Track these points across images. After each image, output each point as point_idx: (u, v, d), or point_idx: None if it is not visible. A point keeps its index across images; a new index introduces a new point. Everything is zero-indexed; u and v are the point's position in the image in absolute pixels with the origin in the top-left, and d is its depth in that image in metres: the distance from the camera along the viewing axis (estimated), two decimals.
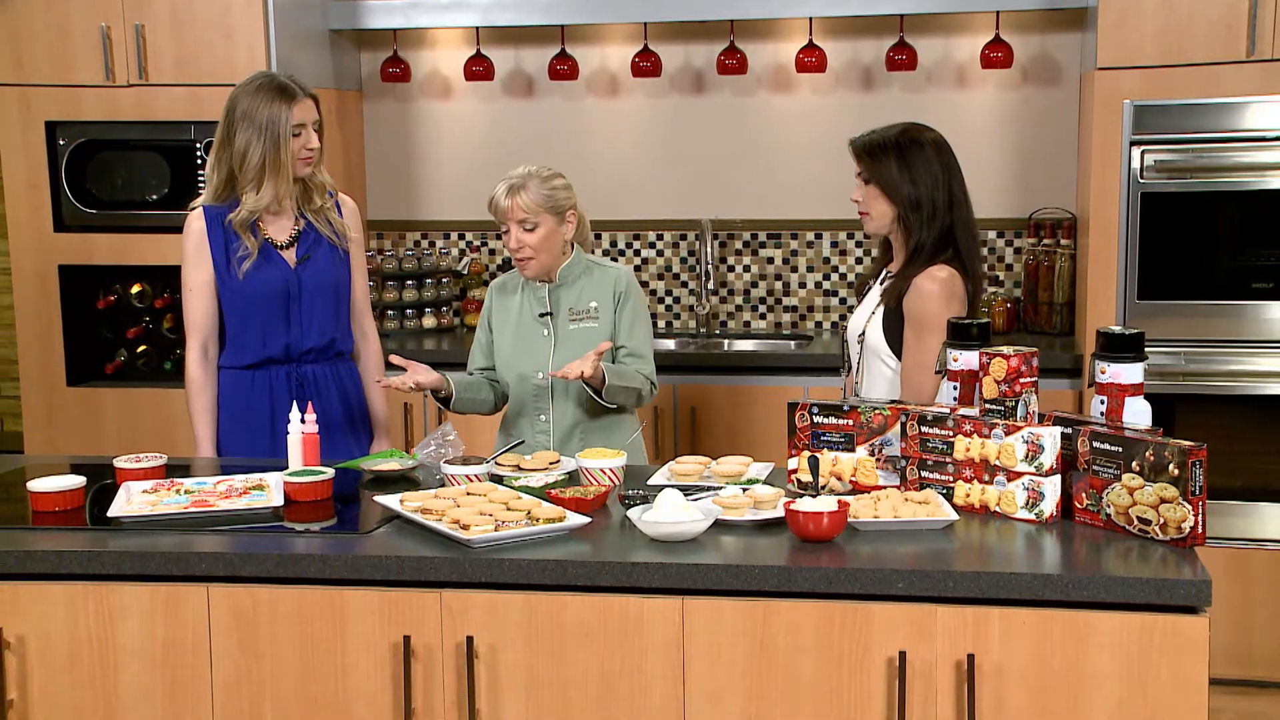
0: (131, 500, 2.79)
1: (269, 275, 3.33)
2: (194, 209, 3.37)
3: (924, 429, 2.66)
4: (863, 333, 3.15)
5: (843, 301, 5.03)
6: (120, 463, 2.98)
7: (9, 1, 4.57)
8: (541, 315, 3.32)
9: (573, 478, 2.93)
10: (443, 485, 2.86)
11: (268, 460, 3.19)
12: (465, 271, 5.26)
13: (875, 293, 3.19)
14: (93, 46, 4.55)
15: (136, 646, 2.51)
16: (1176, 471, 2.36)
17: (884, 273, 3.20)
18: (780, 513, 2.54)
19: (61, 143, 4.66)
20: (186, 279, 3.37)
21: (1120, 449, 2.45)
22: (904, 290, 3.05)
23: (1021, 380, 2.60)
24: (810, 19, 4.80)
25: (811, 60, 4.79)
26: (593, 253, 3.48)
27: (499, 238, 5.17)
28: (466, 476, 2.84)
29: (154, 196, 4.66)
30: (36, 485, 2.76)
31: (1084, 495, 2.52)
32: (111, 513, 2.71)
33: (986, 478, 2.59)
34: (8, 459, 3.39)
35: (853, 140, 3.16)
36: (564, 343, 3.29)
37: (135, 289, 4.78)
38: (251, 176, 3.28)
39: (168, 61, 4.54)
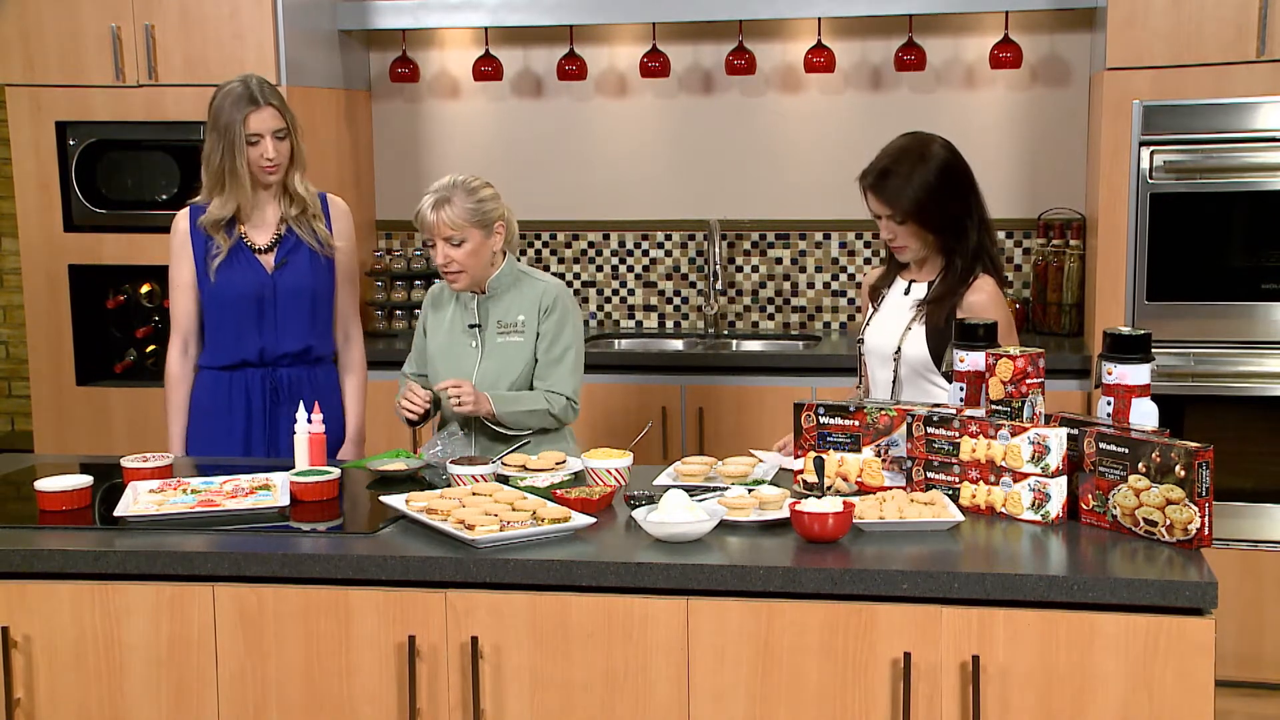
0: (138, 500, 2.79)
1: (242, 277, 3.35)
2: (185, 207, 3.42)
3: (930, 430, 2.66)
4: (898, 350, 3.11)
5: (851, 302, 5.02)
6: (127, 462, 2.99)
7: (19, 2, 4.59)
8: (470, 327, 3.29)
9: (578, 478, 2.93)
10: (449, 485, 2.86)
11: (275, 460, 3.20)
12: None
13: (900, 307, 3.14)
14: (103, 47, 4.56)
15: (142, 646, 2.52)
16: (1183, 473, 2.36)
17: (907, 283, 3.15)
18: (785, 514, 2.54)
19: (71, 143, 4.67)
20: (171, 276, 3.44)
21: (1126, 450, 2.44)
22: (952, 309, 3.03)
23: (1028, 381, 2.59)
24: (819, 19, 4.80)
25: (820, 60, 4.79)
26: (521, 257, 3.43)
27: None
28: (472, 476, 2.84)
29: (163, 196, 4.67)
30: (43, 485, 2.77)
31: (1090, 497, 2.52)
32: (118, 512, 2.71)
33: (993, 479, 2.58)
34: (18, 458, 3.40)
35: (870, 183, 3.05)
36: (490, 355, 3.26)
37: (144, 289, 4.80)
38: (214, 181, 3.33)
39: (177, 62, 4.55)
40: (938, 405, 2.78)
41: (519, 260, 3.37)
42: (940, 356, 3.05)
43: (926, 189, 3.02)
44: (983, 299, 3.04)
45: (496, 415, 3.18)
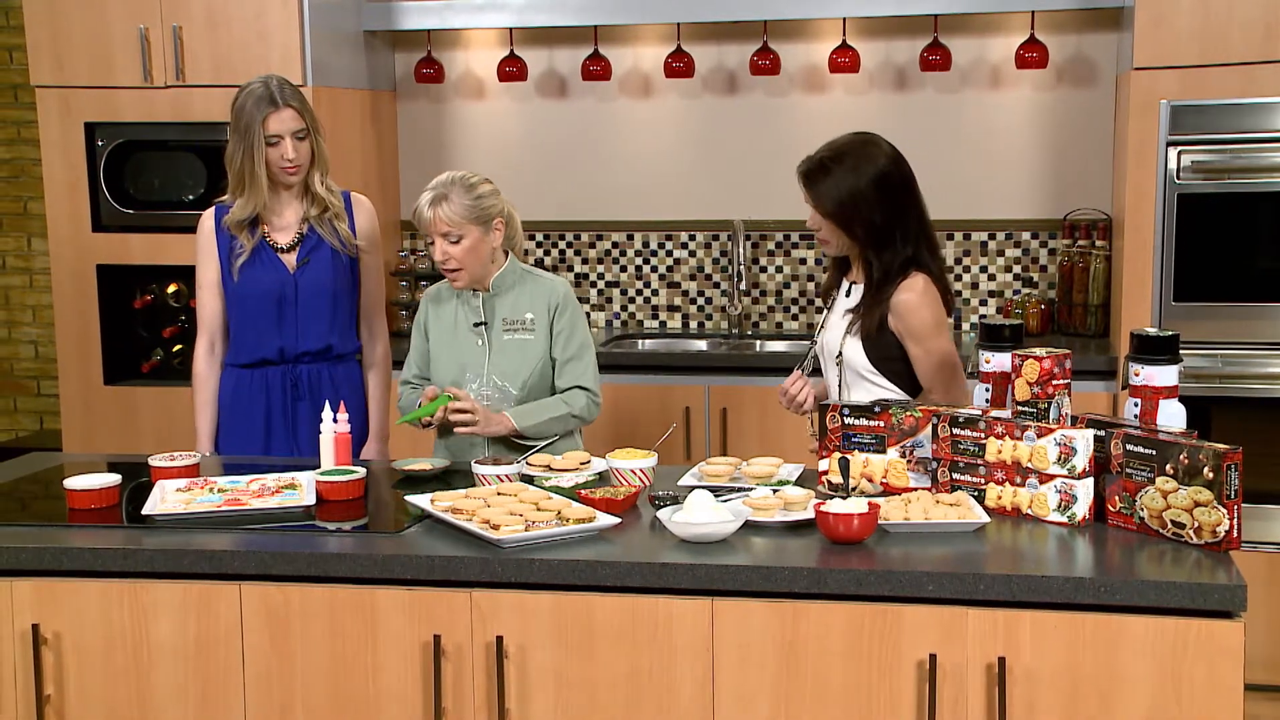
0: (165, 498, 2.81)
1: (263, 277, 3.37)
2: (211, 207, 3.45)
3: (955, 431, 2.65)
4: (839, 354, 3.09)
5: None
6: (155, 461, 3.01)
7: (49, 4, 4.62)
8: (476, 325, 3.27)
9: (603, 478, 2.93)
10: (473, 485, 2.87)
11: (301, 460, 3.21)
12: None
13: (842, 307, 3.14)
14: (131, 48, 4.59)
15: (170, 644, 2.53)
16: (1211, 475, 2.34)
17: (849, 285, 3.14)
18: (810, 514, 2.54)
19: (100, 143, 4.70)
20: (197, 276, 3.47)
21: (1154, 452, 2.43)
22: (883, 315, 3.00)
23: (1054, 382, 2.58)
24: (844, 19, 4.79)
25: (845, 61, 4.78)
26: (525, 258, 3.42)
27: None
28: (497, 476, 2.85)
29: (190, 197, 4.70)
30: (73, 483, 2.79)
31: (1117, 498, 2.50)
32: (146, 511, 2.73)
33: (1018, 480, 2.57)
34: (46, 456, 3.42)
35: (801, 172, 3.04)
36: (498, 352, 3.24)
37: (171, 288, 4.82)
38: (235, 182, 3.36)
39: (204, 63, 4.58)
40: (960, 406, 2.77)
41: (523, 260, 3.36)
42: (877, 361, 3.03)
43: (853, 196, 2.97)
44: (911, 297, 2.99)
45: (520, 430, 3.17)
